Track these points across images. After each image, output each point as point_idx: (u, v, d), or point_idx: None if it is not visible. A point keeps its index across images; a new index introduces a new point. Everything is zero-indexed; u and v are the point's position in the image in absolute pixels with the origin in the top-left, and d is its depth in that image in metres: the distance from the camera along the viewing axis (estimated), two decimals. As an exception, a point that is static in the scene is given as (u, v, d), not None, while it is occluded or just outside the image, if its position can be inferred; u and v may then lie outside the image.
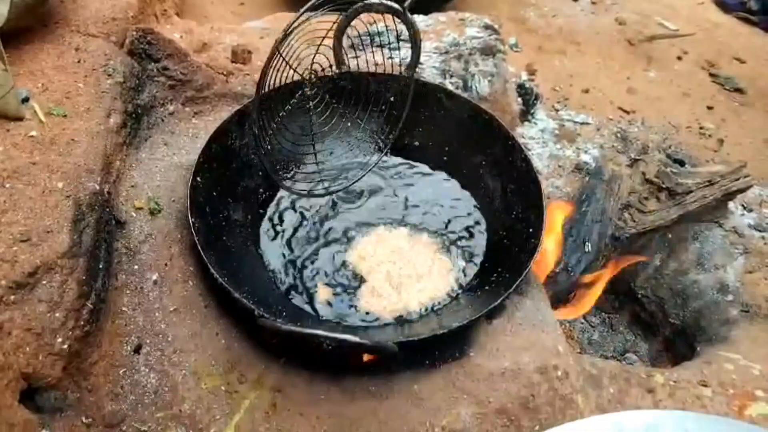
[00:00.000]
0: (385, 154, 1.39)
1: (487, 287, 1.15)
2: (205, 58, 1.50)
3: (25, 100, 1.12)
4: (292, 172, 1.29)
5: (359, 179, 1.30)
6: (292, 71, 1.06)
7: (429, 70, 1.63)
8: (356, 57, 1.26)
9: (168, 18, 1.67)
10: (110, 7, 1.39)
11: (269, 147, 1.13)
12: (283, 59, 1.00)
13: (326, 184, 1.27)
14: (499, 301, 1.05)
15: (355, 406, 1.02)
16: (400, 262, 1.22)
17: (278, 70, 1.03)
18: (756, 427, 0.73)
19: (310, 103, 1.18)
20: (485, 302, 1.08)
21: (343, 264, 1.22)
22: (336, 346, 0.96)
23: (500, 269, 1.17)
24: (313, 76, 1.14)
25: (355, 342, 0.85)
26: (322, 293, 1.17)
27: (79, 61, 1.24)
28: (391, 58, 1.38)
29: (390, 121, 1.33)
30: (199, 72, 1.44)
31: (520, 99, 1.95)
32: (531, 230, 1.18)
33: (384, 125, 1.34)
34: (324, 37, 1.08)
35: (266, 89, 1.03)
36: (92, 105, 1.18)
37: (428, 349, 1.07)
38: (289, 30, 0.96)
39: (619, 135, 1.94)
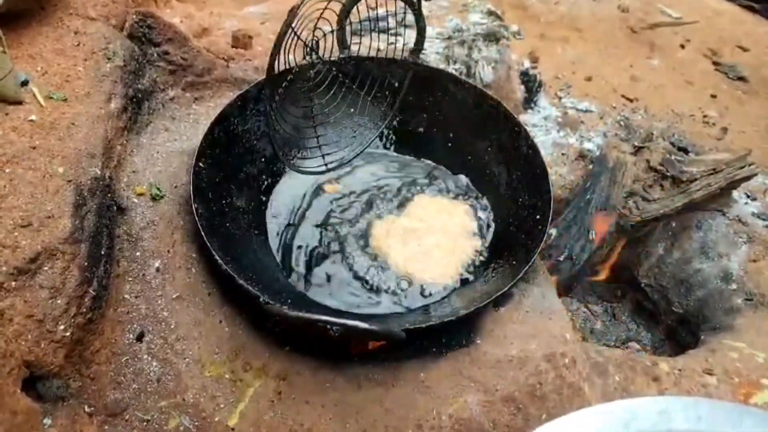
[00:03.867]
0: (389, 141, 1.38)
1: (494, 274, 1.14)
2: (206, 42, 1.48)
3: (24, 83, 1.10)
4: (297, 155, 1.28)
5: (357, 155, 1.31)
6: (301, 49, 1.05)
7: (432, 56, 1.61)
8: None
9: (167, 2, 1.65)
10: (109, -11, 1.36)
11: (280, 128, 1.11)
12: (296, 34, 0.98)
13: (326, 159, 1.26)
14: (506, 288, 1.04)
15: (361, 394, 1.02)
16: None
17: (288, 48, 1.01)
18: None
19: (311, 85, 1.16)
20: (492, 289, 1.07)
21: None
22: (343, 333, 0.95)
23: (507, 256, 1.16)
24: (315, 56, 1.13)
25: (363, 328, 0.84)
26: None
27: (78, 45, 1.22)
28: (394, 43, 1.36)
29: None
30: (200, 57, 1.42)
31: (522, 86, 1.93)
32: (538, 217, 1.16)
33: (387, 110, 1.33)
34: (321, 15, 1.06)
35: (277, 69, 1.01)
36: (92, 89, 1.16)
37: (435, 337, 1.06)
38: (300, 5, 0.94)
39: (622, 123, 1.92)
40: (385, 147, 1.40)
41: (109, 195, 1.11)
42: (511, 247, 1.17)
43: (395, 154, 1.40)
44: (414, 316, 1.10)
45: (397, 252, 1.19)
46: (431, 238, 1.22)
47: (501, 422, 1.01)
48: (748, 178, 1.66)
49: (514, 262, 1.12)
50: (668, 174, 1.64)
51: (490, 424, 1.01)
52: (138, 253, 1.12)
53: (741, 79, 2.24)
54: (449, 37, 1.68)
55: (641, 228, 1.65)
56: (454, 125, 1.36)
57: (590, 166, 1.73)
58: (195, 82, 1.42)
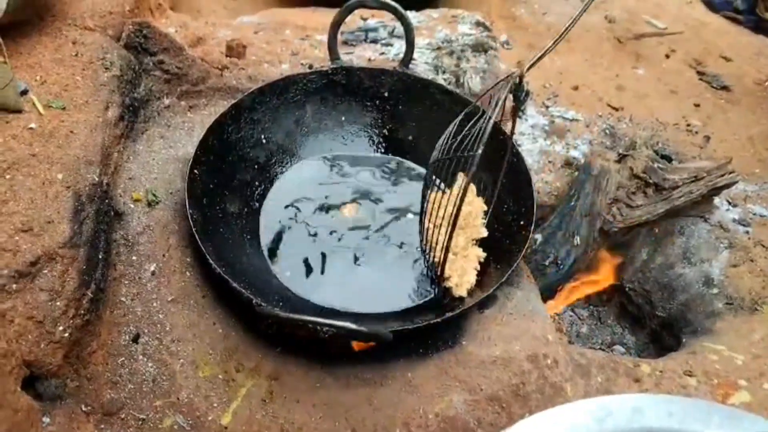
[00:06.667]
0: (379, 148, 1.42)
1: (479, 278, 1.18)
2: (200, 52, 1.51)
3: (24, 92, 1.13)
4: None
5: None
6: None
7: (421, 66, 1.65)
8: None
9: (162, 12, 1.68)
10: (106, 0, 1.39)
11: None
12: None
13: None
14: (491, 291, 1.08)
15: (350, 393, 1.05)
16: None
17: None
18: (737, 411, 0.76)
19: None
20: (477, 292, 1.11)
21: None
22: (332, 334, 0.98)
23: (492, 260, 1.20)
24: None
25: (352, 329, 0.87)
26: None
27: (76, 54, 1.25)
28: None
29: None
30: (195, 66, 1.45)
31: (510, 95, 1.96)
32: (522, 222, 1.20)
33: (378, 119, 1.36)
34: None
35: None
36: (90, 98, 1.19)
37: (422, 338, 1.10)
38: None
39: (607, 131, 1.96)
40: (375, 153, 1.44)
41: (106, 201, 1.14)
42: (496, 252, 1.21)
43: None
44: (400, 319, 1.13)
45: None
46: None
47: (485, 420, 1.05)
48: (729, 186, 1.70)
49: (498, 266, 1.16)
50: (651, 181, 1.67)
51: (475, 422, 1.04)
52: (134, 257, 1.15)
53: (724, 88, 2.28)
54: (438, 48, 1.72)
55: (625, 234, 1.69)
56: (442, 133, 1.39)
57: (576, 174, 1.76)
58: (190, 90, 1.45)
